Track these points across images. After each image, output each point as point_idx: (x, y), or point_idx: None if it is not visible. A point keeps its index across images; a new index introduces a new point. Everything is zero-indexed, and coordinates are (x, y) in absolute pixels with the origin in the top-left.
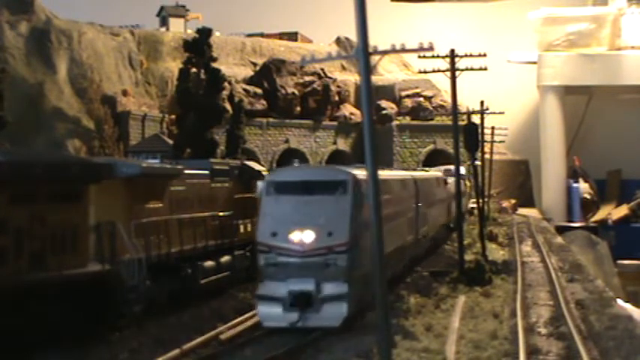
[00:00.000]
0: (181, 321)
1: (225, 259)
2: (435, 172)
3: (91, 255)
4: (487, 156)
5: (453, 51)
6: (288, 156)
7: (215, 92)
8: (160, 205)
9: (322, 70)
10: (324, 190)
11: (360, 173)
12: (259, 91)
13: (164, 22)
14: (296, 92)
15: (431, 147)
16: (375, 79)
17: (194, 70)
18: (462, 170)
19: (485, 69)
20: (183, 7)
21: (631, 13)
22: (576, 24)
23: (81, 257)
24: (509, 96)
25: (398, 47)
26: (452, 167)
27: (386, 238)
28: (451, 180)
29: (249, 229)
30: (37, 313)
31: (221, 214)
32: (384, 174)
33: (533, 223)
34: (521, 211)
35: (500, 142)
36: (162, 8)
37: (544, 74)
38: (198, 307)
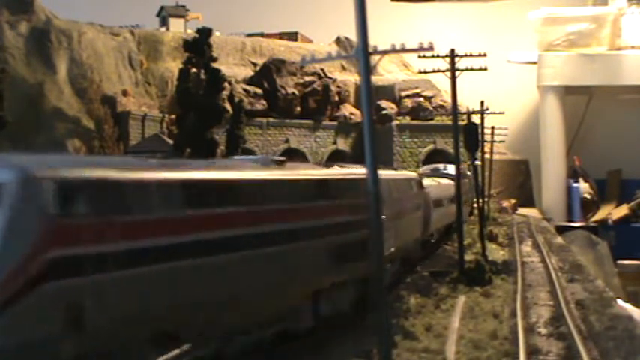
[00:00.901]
0: None
1: None
2: (408, 173)
3: None
4: (487, 156)
5: (452, 51)
6: (288, 156)
7: (215, 92)
8: None
9: (322, 70)
10: None
11: (72, 170)
12: (259, 91)
13: (164, 22)
14: (296, 92)
15: (431, 147)
16: (375, 79)
17: (194, 70)
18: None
19: (485, 69)
20: (183, 7)
21: (631, 13)
22: (576, 24)
23: None
24: (509, 96)
25: (398, 47)
26: (440, 166)
27: (311, 271)
28: (428, 182)
29: None
30: None
31: None
32: (320, 173)
33: (533, 223)
34: (521, 211)
35: (500, 142)
36: (162, 8)
37: (544, 74)
38: None
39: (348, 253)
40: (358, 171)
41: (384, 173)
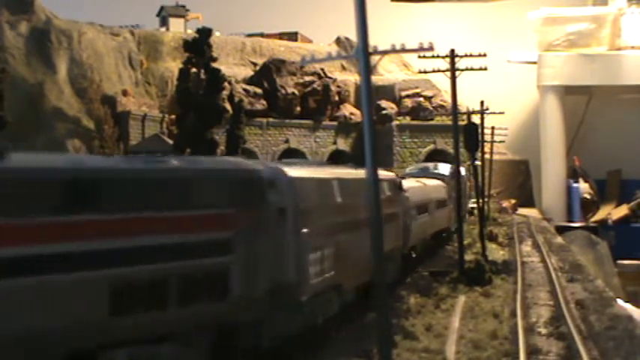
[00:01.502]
0: None
1: None
2: (382, 172)
3: None
4: (487, 156)
5: (452, 51)
6: (288, 156)
7: (215, 92)
8: None
9: (322, 70)
10: None
11: None
12: (259, 91)
13: (164, 22)
14: (296, 92)
15: (431, 147)
16: (375, 79)
17: (194, 70)
18: (446, 168)
19: (485, 69)
20: (183, 7)
21: (631, 13)
22: (576, 24)
23: None
24: (509, 96)
25: (398, 47)
26: (430, 165)
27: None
28: (412, 183)
29: None
30: None
31: None
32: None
33: (533, 223)
34: (521, 211)
35: (500, 142)
36: (162, 8)
37: (544, 74)
38: None
39: (159, 293)
40: (196, 166)
41: (343, 172)
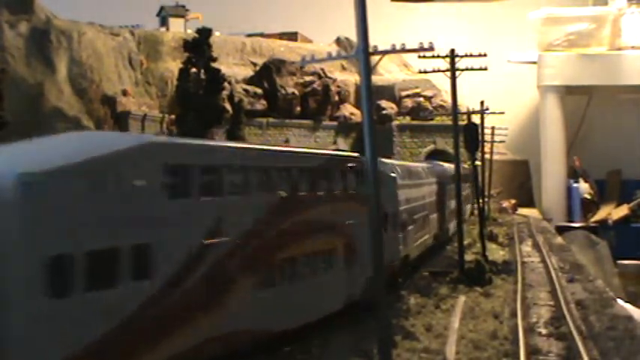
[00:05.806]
0: None
1: None
2: None
3: None
4: (487, 156)
5: (453, 51)
6: None
7: (215, 92)
8: None
9: (322, 70)
10: None
11: None
12: (259, 91)
13: (164, 22)
14: (296, 92)
15: (431, 147)
16: (375, 79)
17: (194, 70)
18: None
19: (486, 69)
20: (183, 7)
21: (631, 13)
22: (576, 24)
23: None
24: (509, 96)
25: (398, 47)
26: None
27: None
28: None
29: None
30: None
31: None
32: None
33: (533, 223)
34: (522, 211)
35: (500, 142)
36: (162, 8)
37: (544, 74)
38: None
39: None
40: None
41: None
